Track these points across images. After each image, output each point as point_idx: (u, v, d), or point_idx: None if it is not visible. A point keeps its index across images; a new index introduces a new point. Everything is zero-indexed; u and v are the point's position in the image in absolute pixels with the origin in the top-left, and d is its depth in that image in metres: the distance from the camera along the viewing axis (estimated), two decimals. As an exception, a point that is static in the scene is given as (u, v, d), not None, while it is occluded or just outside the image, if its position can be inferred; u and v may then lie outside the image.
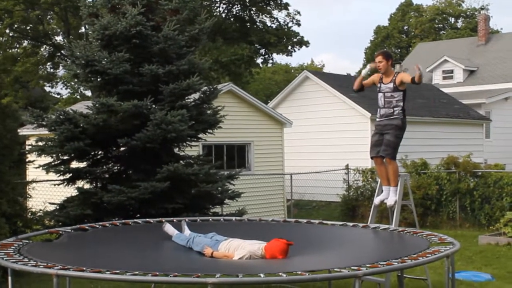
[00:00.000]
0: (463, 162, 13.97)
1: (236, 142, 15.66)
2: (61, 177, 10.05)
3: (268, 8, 34.35)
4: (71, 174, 9.95)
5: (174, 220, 7.28)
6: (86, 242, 6.36)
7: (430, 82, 28.55)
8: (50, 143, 9.74)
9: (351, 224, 7.42)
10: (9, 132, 9.07)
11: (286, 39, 34.46)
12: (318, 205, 18.49)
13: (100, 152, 10.30)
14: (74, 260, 5.01)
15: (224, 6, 34.97)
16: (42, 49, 33.86)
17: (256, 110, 16.14)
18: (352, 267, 4.62)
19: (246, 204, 12.49)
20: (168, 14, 10.40)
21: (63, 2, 29.24)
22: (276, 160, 16.64)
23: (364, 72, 7.16)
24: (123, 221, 7.52)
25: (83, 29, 28.95)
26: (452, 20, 50.21)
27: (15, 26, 31.66)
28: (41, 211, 9.65)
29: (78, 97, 36.41)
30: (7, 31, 31.73)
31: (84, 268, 4.55)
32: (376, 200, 7.27)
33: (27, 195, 10.09)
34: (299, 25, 35.81)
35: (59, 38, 34.07)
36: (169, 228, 6.68)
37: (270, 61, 37.30)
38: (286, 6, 34.38)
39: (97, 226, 7.07)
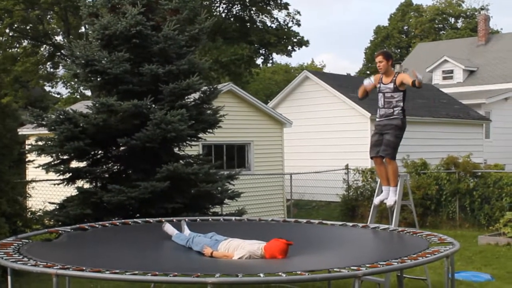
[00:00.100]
0: (463, 162, 13.97)
1: (236, 142, 15.66)
2: (61, 177, 10.05)
3: (268, 8, 34.35)
4: (71, 174, 9.95)
5: (174, 220, 7.29)
6: (86, 242, 6.36)
7: (430, 82, 28.54)
8: (50, 142, 9.74)
9: (350, 224, 7.42)
10: (9, 132, 9.06)
11: (286, 39, 34.46)
12: (318, 205, 18.49)
13: (100, 151, 10.30)
14: (74, 260, 5.01)
15: (224, 6, 34.97)
16: (42, 49, 33.87)
17: (256, 110, 16.14)
18: (352, 267, 4.62)
19: (246, 204, 12.49)
20: (168, 14, 10.40)
21: (63, 2, 29.24)
22: (276, 160, 16.64)
23: (367, 82, 7.11)
24: (123, 220, 7.52)
25: (83, 29, 28.97)
26: (452, 20, 50.21)
27: (15, 25, 31.67)
28: (40, 211, 9.65)
29: (78, 96, 36.41)
30: (7, 30, 31.74)
31: (84, 268, 4.55)
32: (376, 200, 7.28)
33: (27, 195, 10.08)
34: (299, 25, 35.83)
35: (59, 38, 34.11)
36: (168, 228, 6.68)
37: (270, 61, 37.33)
38: (286, 6, 34.38)
39: (97, 225, 7.07)
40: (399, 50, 50.07)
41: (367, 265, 4.67)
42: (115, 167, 10.38)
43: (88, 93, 32.53)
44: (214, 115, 10.61)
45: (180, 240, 6.42)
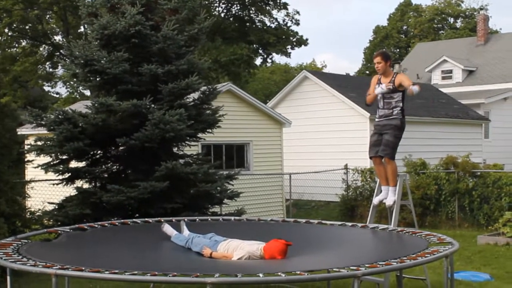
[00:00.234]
0: (462, 162, 13.97)
1: (235, 142, 15.65)
2: (60, 177, 10.05)
3: (267, 8, 34.37)
4: (70, 174, 9.95)
5: (173, 220, 7.28)
6: (85, 242, 6.35)
7: (429, 82, 28.56)
8: (49, 142, 9.74)
9: (350, 224, 7.42)
10: (8, 132, 9.05)
11: (285, 38, 34.48)
12: (317, 205, 18.49)
13: (99, 151, 10.29)
14: (73, 260, 5.01)
15: (223, 5, 34.99)
16: (41, 49, 33.87)
17: (255, 109, 16.14)
18: (351, 267, 4.62)
19: (245, 204, 12.48)
20: (167, 14, 10.40)
21: (62, 2, 29.25)
22: (275, 160, 16.64)
23: (379, 91, 7.00)
24: (122, 220, 7.52)
25: (82, 29, 29.02)
26: (451, 20, 50.23)
27: (14, 25, 31.67)
28: (40, 211, 9.63)
29: (77, 96, 36.38)
30: (6, 30, 31.73)
31: (83, 268, 4.55)
32: (375, 200, 7.27)
33: (26, 195, 10.06)
34: (298, 24, 35.86)
35: (58, 38, 34.13)
36: (167, 229, 6.67)
37: (270, 60, 37.36)
38: (285, 5, 34.41)
39: (96, 225, 7.06)
40: (398, 50, 50.10)
41: (367, 265, 4.67)
42: (114, 167, 10.37)
43: (87, 93, 32.51)
44: (213, 115, 10.61)
45: (179, 240, 6.41)
